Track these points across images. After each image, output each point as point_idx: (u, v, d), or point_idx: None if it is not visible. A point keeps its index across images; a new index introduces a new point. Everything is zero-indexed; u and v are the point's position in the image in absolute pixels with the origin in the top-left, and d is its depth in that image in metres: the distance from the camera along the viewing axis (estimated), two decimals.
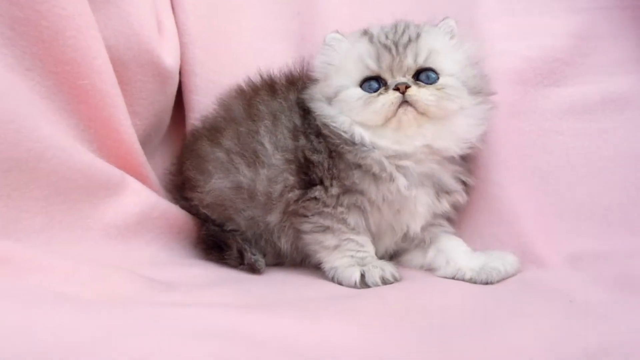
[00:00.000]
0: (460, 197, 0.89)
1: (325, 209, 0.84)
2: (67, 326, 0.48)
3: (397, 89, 0.81)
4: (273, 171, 0.86)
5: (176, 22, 1.08)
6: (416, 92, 0.81)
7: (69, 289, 0.59)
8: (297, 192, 0.85)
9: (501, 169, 0.95)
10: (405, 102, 0.81)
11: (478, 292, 0.74)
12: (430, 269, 0.89)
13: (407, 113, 0.81)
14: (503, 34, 1.02)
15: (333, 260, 0.85)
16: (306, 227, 0.86)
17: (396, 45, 0.84)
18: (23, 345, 0.45)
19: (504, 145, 0.96)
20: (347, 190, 0.84)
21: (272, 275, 0.86)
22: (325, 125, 0.84)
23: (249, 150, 0.88)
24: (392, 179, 0.82)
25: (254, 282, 0.79)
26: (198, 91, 1.06)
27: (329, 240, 0.85)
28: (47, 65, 0.83)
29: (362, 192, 0.84)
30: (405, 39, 0.84)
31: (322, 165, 0.83)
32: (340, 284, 0.83)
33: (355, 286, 0.81)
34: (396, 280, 0.82)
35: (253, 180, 0.88)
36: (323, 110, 0.86)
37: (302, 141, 0.85)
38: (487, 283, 0.81)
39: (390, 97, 0.81)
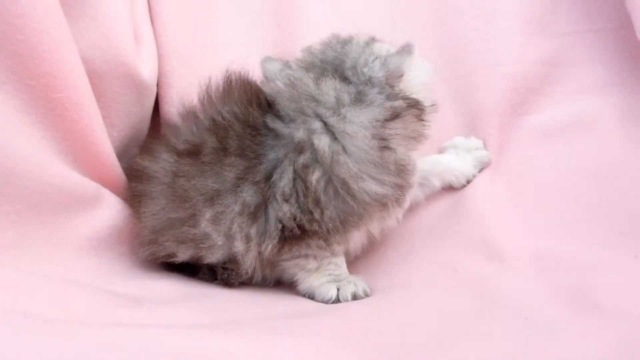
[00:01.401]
0: None
1: (319, 250, 0.83)
2: (24, 348, 0.49)
3: None
4: (236, 254, 0.81)
5: (154, 34, 1.08)
6: None
7: (33, 308, 0.60)
8: (277, 247, 0.81)
9: (472, 188, 0.98)
10: None
11: (440, 307, 0.75)
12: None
13: None
14: (479, 61, 1.04)
15: (312, 281, 0.85)
16: (286, 257, 0.83)
17: None
18: None
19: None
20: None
21: (241, 289, 0.86)
22: None
23: (190, 237, 0.81)
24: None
25: (220, 296, 0.80)
26: (174, 103, 1.06)
27: (311, 264, 0.84)
28: (22, 78, 0.83)
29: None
30: None
31: (326, 228, 0.79)
32: (312, 298, 0.85)
33: (328, 302, 0.83)
34: (367, 295, 0.84)
35: (196, 257, 0.83)
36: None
37: (287, 209, 0.78)
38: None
39: None
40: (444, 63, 1.07)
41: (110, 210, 0.88)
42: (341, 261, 0.87)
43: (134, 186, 0.89)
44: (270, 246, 0.80)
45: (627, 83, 0.99)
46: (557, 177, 0.99)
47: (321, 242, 0.82)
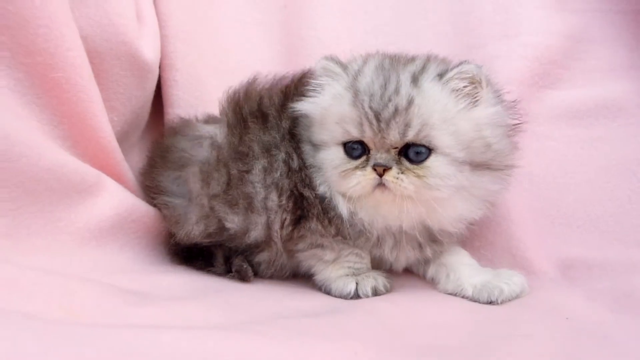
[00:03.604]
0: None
1: (323, 239, 0.78)
2: (27, 351, 0.43)
3: (374, 169, 0.70)
4: (269, 216, 0.78)
5: (157, 14, 1.02)
6: (393, 177, 0.69)
7: (32, 306, 0.54)
8: (290, 227, 0.79)
9: None
10: (382, 184, 0.70)
11: (473, 309, 0.71)
12: (432, 282, 0.82)
13: (384, 195, 0.71)
14: (497, 32, 1.00)
15: (329, 272, 0.80)
16: (302, 246, 0.81)
17: (378, 116, 0.69)
18: None
19: None
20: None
21: (253, 283, 0.81)
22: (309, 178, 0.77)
23: (241, 196, 0.79)
24: (379, 244, 0.78)
25: (234, 292, 0.75)
26: (178, 86, 1.01)
27: (328, 255, 0.79)
28: (16, 55, 0.77)
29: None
30: (391, 108, 0.69)
31: (316, 203, 0.76)
32: (328, 293, 0.79)
33: (347, 296, 0.77)
34: (387, 291, 0.79)
35: (243, 227, 0.80)
36: (308, 159, 0.77)
37: (296, 174, 0.77)
38: (489, 302, 0.74)
39: (367, 176, 0.70)
40: (455, 35, 1.04)
41: (112, 198, 0.82)
42: (365, 254, 0.82)
43: (179, 168, 0.84)
44: (288, 218, 0.78)
45: None
46: (580, 167, 0.96)
47: (319, 227, 0.77)
